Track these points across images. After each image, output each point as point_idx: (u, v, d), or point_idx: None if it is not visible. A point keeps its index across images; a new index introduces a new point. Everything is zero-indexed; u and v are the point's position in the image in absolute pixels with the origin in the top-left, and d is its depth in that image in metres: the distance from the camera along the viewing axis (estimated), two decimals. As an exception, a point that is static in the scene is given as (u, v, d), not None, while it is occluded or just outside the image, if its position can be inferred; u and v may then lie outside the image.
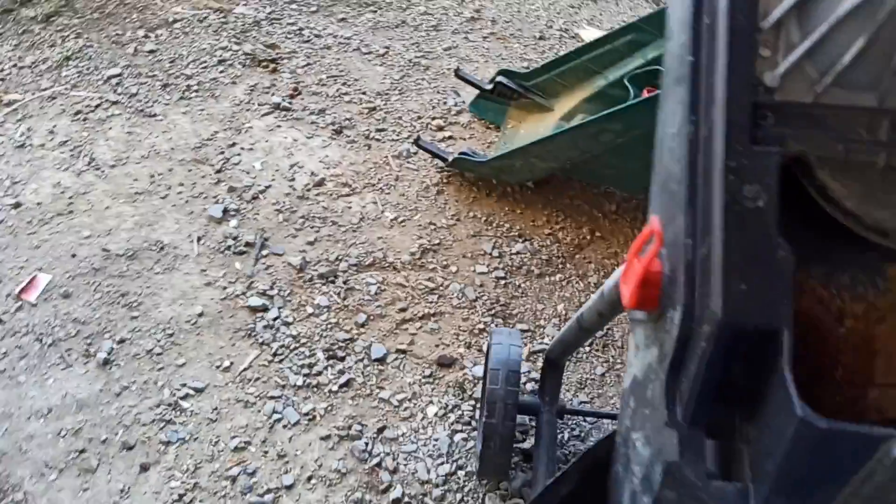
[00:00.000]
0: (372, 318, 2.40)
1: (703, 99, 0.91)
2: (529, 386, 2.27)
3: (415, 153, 2.90)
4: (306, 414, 2.15)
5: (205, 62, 3.15)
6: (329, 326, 2.37)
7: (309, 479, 2.02)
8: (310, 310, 2.40)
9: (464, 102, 3.09)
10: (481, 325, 2.42)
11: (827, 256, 1.01)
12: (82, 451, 2.03)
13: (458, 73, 3.03)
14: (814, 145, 0.88)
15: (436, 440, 2.13)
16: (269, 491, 1.98)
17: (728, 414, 0.94)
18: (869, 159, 0.88)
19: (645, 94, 2.56)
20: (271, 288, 2.44)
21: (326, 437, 2.10)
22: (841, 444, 0.81)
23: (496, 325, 2.40)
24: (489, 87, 3.00)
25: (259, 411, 2.15)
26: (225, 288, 2.42)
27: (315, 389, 2.21)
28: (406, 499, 2.01)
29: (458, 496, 2.03)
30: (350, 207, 2.71)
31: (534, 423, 2.10)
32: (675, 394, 0.93)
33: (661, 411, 0.94)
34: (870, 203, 0.89)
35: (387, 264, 2.55)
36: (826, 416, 1.08)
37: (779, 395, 0.84)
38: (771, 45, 0.90)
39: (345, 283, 2.49)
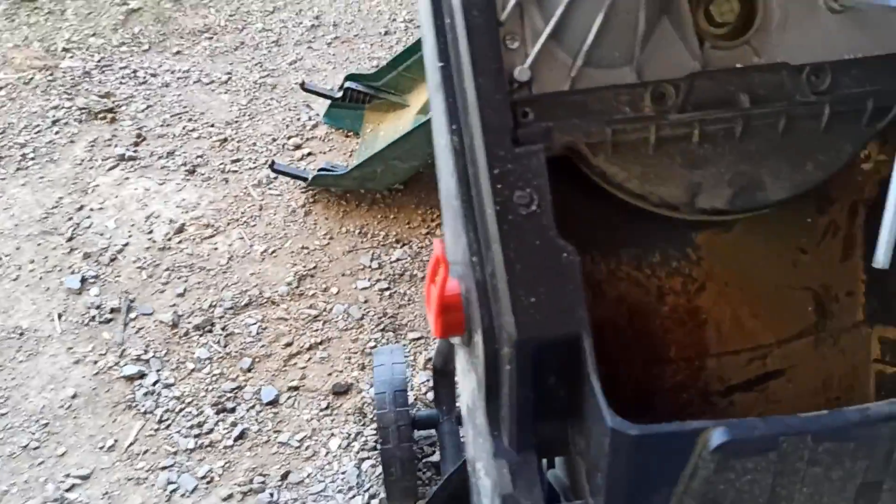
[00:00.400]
0: (257, 360, 2.30)
1: (460, 105, 0.85)
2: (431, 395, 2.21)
3: (276, 178, 2.79)
4: (203, 477, 2.04)
5: (37, 126, 2.97)
6: (214, 379, 2.25)
7: (214, 546, 1.92)
8: (190, 366, 2.28)
9: (318, 115, 3.00)
10: (372, 343, 2.34)
11: (633, 237, 0.96)
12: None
13: (304, 87, 2.92)
14: (580, 134, 0.83)
15: (343, 473, 2.05)
16: (173, 570, 1.88)
17: (560, 428, 0.88)
18: (639, 136, 0.83)
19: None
20: (145, 352, 2.31)
21: (228, 498, 2.00)
22: (660, 446, 0.76)
23: (382, 343, 2.33)
24: (339, 94, 2.90)
25: (153, 486, 2.03)
26: (96, 362, 2.29)
27: (209, 449, 2.10)
28: (319, 543, 1.93)
29: (373, 527, 1.96)
30: (216, 248, 2.59)
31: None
32: (498, 420, 0.87)
33: (489, 440, 0.89)
34: (650, 181, 0.85)
35: (264, 300, 2.45)
36: (671, 397, 1.04)
37: (591, 404, 0.78)
38: (518, 36, 0.84)
39: (223, 329, 2.38)
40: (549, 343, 0.78)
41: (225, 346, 2.33)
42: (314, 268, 2.54)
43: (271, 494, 2.00)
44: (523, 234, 0.79)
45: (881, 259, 0.80)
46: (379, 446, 1.82)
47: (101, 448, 2.10)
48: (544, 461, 0.98)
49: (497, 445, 0.86)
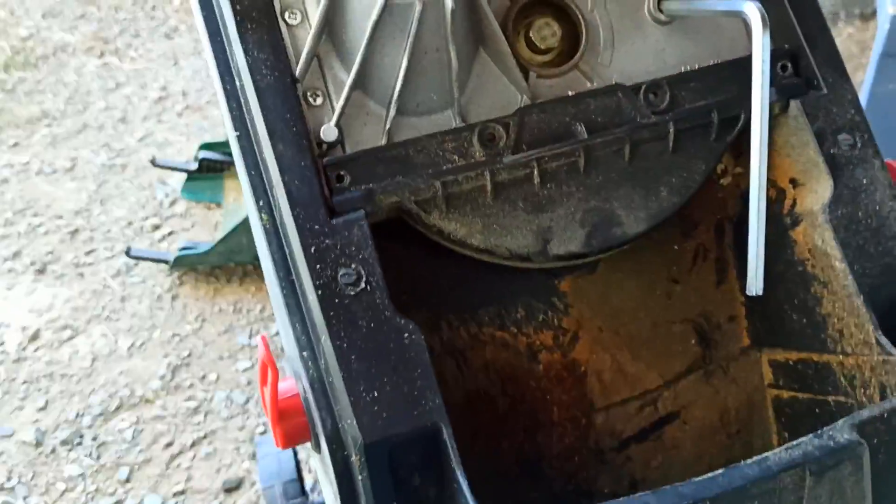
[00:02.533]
0: (136, 467, 2.09)
1: (265, 178, 0.73)
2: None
3: (136, 265, 2.59)
4: None
5: None
6: (89, 497, 2.03)
7: None
8: (61, 486, 2.05)
9: (175, 191, 2.81)
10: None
11: (492, 294, 0.86)
12: None
13: (155, 163, 2.75)
14: (407, 192, 0.72)
15: (244, 578, 1.86)
16: None
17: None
18: (474, 186, 0.74)
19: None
20: (9, 478, 2.07)
21: None
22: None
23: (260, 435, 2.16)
24: (195, 166, 2.74)
25: None
26: (-51, 502, 2.02)
27: (89, 579, 1.88)
28: None
29: None
30: (77, 351, 2.36)
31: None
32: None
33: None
34: (495, 233, 0.75)
35: (137, 400, 2.24)
36: (562, 462, 0.94)
37: (459, 499, 0.67)
38: (321, 91, 0.73)
39: (94, 439, 2.15)
40: (403, 441, 0.67)
41: (98, 458, 2.11)
42: (188, 355, 2.35)
43: None
44: (354, 319, 0.68)
45: (753, 287, 0.72)
46: (275, 546, 1.65)
47: None
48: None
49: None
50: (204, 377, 2.29)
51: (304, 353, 0.70)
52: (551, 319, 0.86)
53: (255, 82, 0.70)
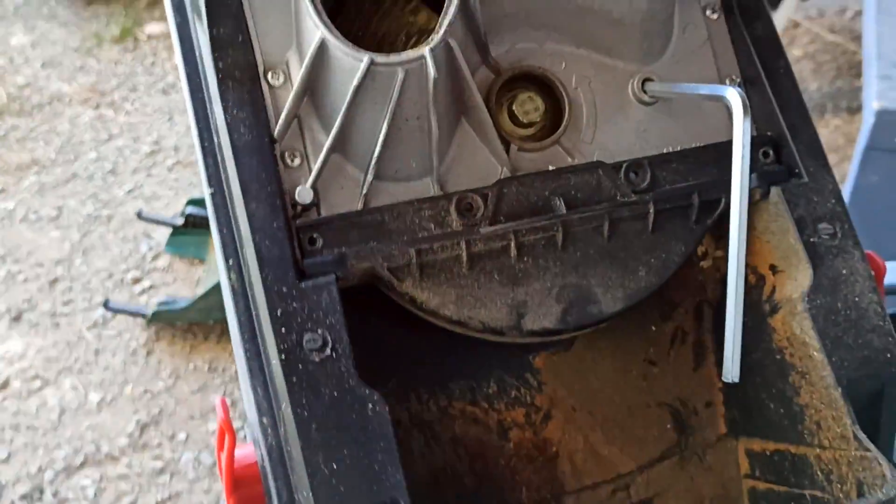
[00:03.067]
0: (94, 527, 2.02)
1: (236, 236, 0.72)
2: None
3: (113, 318, 2.56)
4: None
5: None
6: (42, 557, 1.96)
7: None
8: (15, 544, 1.98)
9: (159, 245, 2.80)
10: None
11: (465, 367, 0.84)
12: None
13: (141, 216, 2.74)
14: (380, 258, 0.71)
15: None
16: None
17: None
18: (449, 255, 0.72)
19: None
20: (-40, 534, 1.99)
21: None
22: None
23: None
24: (181, 221, 2.73)
25: None
26: None
27: None
28: None
29: None
30: (46, 403, 2.31)
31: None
32: None
33: None
34: (469, 304, 0.73)
35: (102, 456, 2.18)
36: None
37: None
38: (299, 152, 0.72)
39: (54, 495, 2.09)
40: (362, 518, 0.64)
41: (56, 516, 2.04)
42: (159, 413, 2.30)
43: None
44: (317, 386, 0.65)
45: (729, 373, 0.70)
46: None
47: None
48: None
49: None
50: (173, 436, 2.24)
51: (264, 420, 0.68)
52: (524, 396, 0.84)
53: (232, 140, 0.69)
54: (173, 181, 3.08)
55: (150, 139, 3.26)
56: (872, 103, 1.77)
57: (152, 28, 3.87)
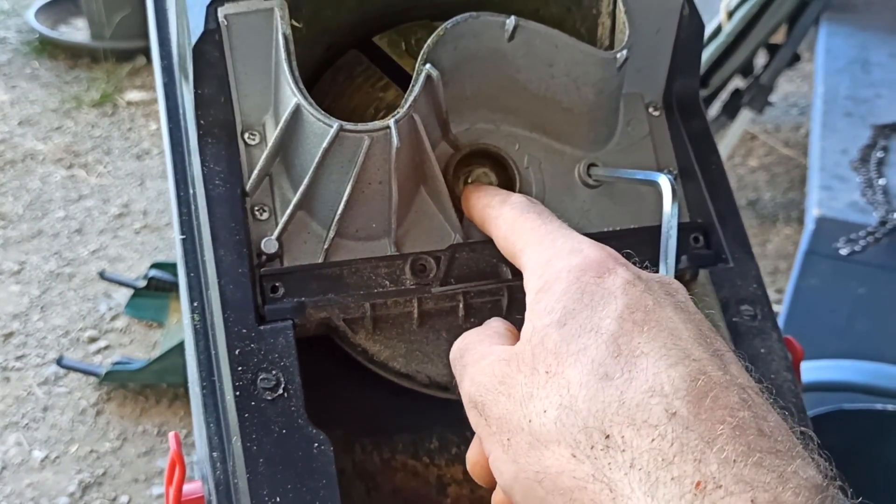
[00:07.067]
0: (24, 589, 1.96)
1: (203, 281, 0.77)
2: None
3: (66, 375, 2.54)
4: None
5: None
6: None
7: None
8: None
9: (119, 305, 2.81)
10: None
11: (410, 422, 0.88)
12: None
13: (103, 276, 2.75)
14: (336, 309, 0.76)
15: None
16: None
17: None
18: (401, 311, 0.78)
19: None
20: None
21: None
22: None
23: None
24: (143, 283, 2.75)
25: None
26: None
27: None
28: None
29: None
30: (-13, 458, 2.27)
31: None
32: None
33: None
34: (417, 359, 0.78)
35: (39, 516, 2.14)
36: None
37: None
38: (268, 207, 0.78)
39: (-15, 553, 2.03)
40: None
41: (-16, 576, 1.98)
42: (103, 474, 2.26)
43: None
44: (268, 423, 0.69)
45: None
46: None
47: None
48: None
49: None
50: (115, 499, 2.20)
51: (215, 454, 0.71)
52: (463, 453, 0.88)
53: (207, 191, 0.74)
54: (139, 244, 3.11)
55: (120, 202, 3.30)
56: (813, 210, 1.89)
57: (132, 95, 3.96)
